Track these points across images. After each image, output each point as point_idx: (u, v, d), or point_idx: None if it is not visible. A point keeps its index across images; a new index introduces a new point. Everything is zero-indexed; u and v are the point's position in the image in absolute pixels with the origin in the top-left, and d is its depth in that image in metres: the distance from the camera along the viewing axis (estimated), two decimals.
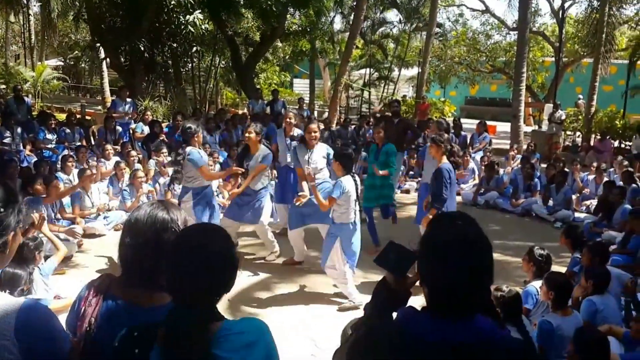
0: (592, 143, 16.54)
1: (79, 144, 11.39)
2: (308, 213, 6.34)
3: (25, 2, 25.32)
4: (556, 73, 22.06)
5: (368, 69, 26.35)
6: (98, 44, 17.74)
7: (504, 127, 20.57)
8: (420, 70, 22.82)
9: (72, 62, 30.75)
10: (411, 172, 12.18)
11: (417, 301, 1.57)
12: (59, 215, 7.45)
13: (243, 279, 6.22)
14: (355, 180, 5.62)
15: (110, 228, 7.99)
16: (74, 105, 22.39)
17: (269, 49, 22.74)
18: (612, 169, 12.07)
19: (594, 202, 9.96)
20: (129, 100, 13.13)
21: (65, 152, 10.58)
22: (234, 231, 7.09)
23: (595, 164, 11.83)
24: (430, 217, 5.83)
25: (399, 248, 1.75)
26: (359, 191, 5.73)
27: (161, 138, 11.14)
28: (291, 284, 6.26)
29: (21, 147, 10.66)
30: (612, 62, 20.83)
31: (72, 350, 1.82)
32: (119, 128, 12.25)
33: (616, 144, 16.83)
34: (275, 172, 8.01)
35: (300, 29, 20.74)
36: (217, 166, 10.48)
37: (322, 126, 15.36)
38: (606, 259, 5.36)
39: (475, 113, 27.58)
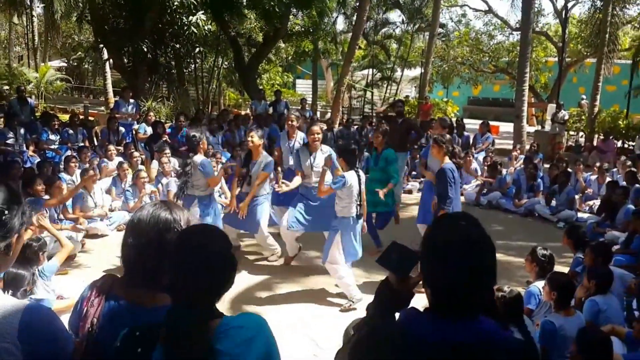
0: (595, 143, 16.52)
1: (81, 144, 11.40)
2: (312, 219, 6.30)
3: (28, 3, 25.36)
4: (559, 73, 22.01)
5: (371, 70, 26.34)
6: (101, 45, 17.76)
7: (507, 127, 20.53)
8: (422, 70, 22.83)
9: (75, 63, 30.80)
10: (414, 173, 12.17)
11: (420, 301, 1.57)
12: (61, 216, 7.47)
13: (244, 279, 6.23)
14: (359, 175, 5.63)
15: (112, 228, 8.01)
16: (77, 106, 22.44)
17: (272, 50, 22.78)
18: (615, 169, 12.06)
19: (596, 202, 9.94)
20: (132, 101, 13.14)
21: (68, 152, 10.59)
22: (234, 232, 7.10)
23: (598, 164, 11.81)
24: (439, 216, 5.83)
25: (401, 248, 1.75)
26: (363, 186, 5.73)
27: (164, 139, 11.14)
28: (292, 284, 6.27)
29: (24, 148, 10.68)
30: (615, 62, 20.79)
31: (75, 351, 1.82)
32: (122, 129, 12.26)
33: (619, 144, 16.77)
34: (280, 175, 7.91)
35: (303, 29, 20.77)
36: (220, 167, 10.48)
37: (324, 127, 15.41)
38: (609, 259, 5.36)
39: (478, 113, 27.57)
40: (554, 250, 5.23)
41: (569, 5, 24.89)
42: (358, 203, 5.61)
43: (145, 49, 15.73)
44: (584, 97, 22.97)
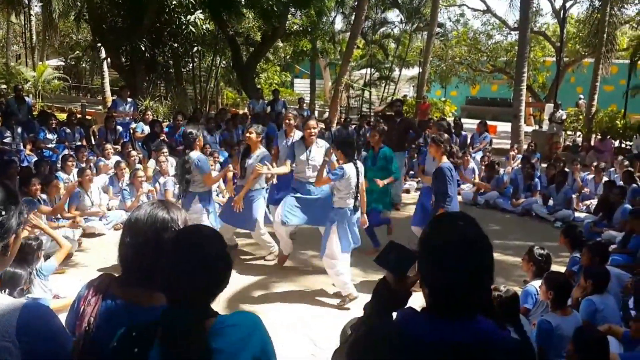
0: (592, 143, 16.55)
1: (79, 143, 11.39)
2: (306, 212, 6.25)
3: (26, 2, 25.34)
4: (557, 73, 22.05)
5: (369, 69, 26.37)
6: (99, 44, 17.74)
7: (505, 127, 20.57)
8: (421, 70, 22.84)
9: (73, 62, 30.77)
10: (411, 172, 12.17)
11: (417, 301, 1.57)
12: (58, 215, 7.46)
13: (242, 279, 6.22)
14: (357, 167, 5.64)
15: (110, 227, 8.00)
16: (74, 105, 22.39)
17: (270, 49, 22.78)
18: (612, 169, 12.08)
19: (594, 202, 9.97)
20: (129, 100, 13.14)
21: (66, 151, 10.58)
22: (231, 231, 7.10)
23: (595, 164, 11.83)
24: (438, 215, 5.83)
25: (399, 248, 1.75)
26: (361, 179, 5.74)
27: (162, 138, 11.14)
28: (289, 284, 6.26)
29: (22, 147, 10.66)
30: (613, 62, 20.82)
31: (73, 350, 1.82)
32: (120, 128, 12.25)
33: (617, 143, 16.82)
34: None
35: (301, 29, 20.76)
36: (218, 166, 10.48)
37: (322, 126, 15.41)
38: (606, 258, 5.37)
39: (476, 113, 27.60)
40: (551, 250, 5.24)
41: (567, 5, 24.97)
42: (356, 195, 5.63)
43: (143, 48, 15.71)
44: (581, 96, 23.05)
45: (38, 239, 5.01)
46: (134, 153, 10.14)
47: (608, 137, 15.84)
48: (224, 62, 22.77)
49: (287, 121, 7.05)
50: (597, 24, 19.64)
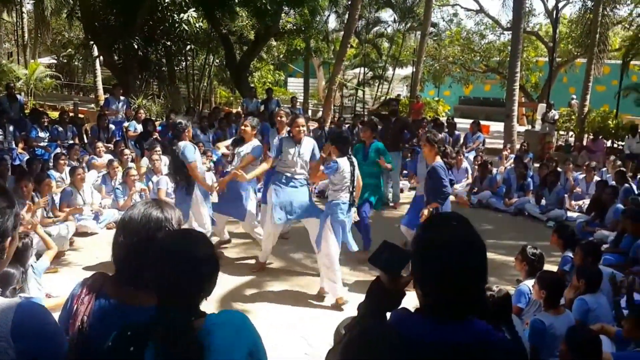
0: (585, 143, 16.61)
1: (71, 142, 11.34)
2: (294, 209, 6.16)
3: None
4: (550, 73, 22.11)
5: (362, 68, 26.39)
6: (91, 42, 17.66)
7: (498, 126, 20.62)
8: (414, 69, 22.87)
9: (65, 60, 30.64)
10: (405, 172, 12.17)
11: (411, 301, 1.57)
12: (51, 214, 7.42)
13: (234, 279, 6.21)
14: (351, 162, 5.64)
15: (102, 226, 7.97)
16: (67, 103, 22.31)
17: (264, 48, 22.72)
18: (604, 169, 12.13)
19: (586, 202, 10.01)
20: (122, 98, 13.09)
21: (58, 150, 10.54)
22: (222, 226, 7.08)
23: (587, 163, 11.88)
24: (431, 209, 5.84)
25: (392, 248, 1.75)
26: (357, 173, 5.74)
27: (154, 136, 11.11)
28: (282, 283, 6.25)
29: (13, 145, 10.61)
30: (605, 62, 20.89)
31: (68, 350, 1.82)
32: (112, 126, 12.20)
33: (609, 143, 16.90)
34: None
35: (294, 27, 20.73)
36: (211, 164, 10.47)
37: (316, 124, 15.41)
38: (598, 258, 5.38)
39: (469, 113, 27.68)
40: (544, 249, 5.25)
41: (560, 5, 25.06)
42: (350, 190, 5.63)
43: (136, 46, 15.62)
44: (574, 97, 23.13)
45: (28, 237, 4.98)
46: (126, 152, 10.10)
47: (600, 137, 15.92)
48: (217, 60, 22.74)
49: (278, 118, 7.03)
50: (590, 24, 19.72)
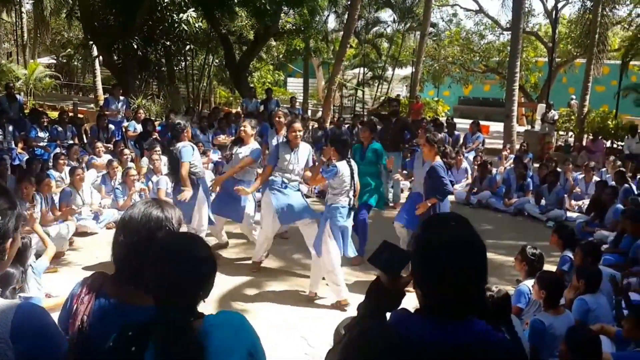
0: (584, 143, 16.62)
1: (71, 142, 11.33)
2: (290, 211, 6.16)
3: None
4: (549, 73, 22.11)
5: (362, 68, 26.39)
6: (91, 42, 17.63)
7: (497, 127, 20.62)
8: (413, 69, 22.87)
9: (64, 60, 30.61)
10: (404, 172, 12.16)
11: (411, 302, 1.57)
12: (50, 214, 7.41)
13: (233, 280, 6.20)
14: (350, 166, 5.64)
15: (102, 226, 7.96)
16: (66, 103, 22.29)
17: (263, 48, 22.72)
18: (604, 169, 12.14)
19: (586, 202, 10.02)
20: (122, 98, 13.09)
21: (57, 150, 10.53)
22: (221, 228, 7.07)
23: (586, 163, 11.89)
24: (429, 204, 5.84)
25: (392, 247, 1.74)
26: (356, 176, 5.74)
27: (154, 136, 11.10)
28: (281, 283, 6.25)
29: (13, 145, 10.60)
30: (604, 62, 20.89)
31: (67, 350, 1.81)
32: (112, 126, 12.21)
33: (608, 144, 16.91)
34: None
35: (294, 27, 20.72)
36: (211, 165, 10.47)
37: (315, 125, 15.40)
38: (598, 258, 5.38)
39: (468, 113, 27.67)
40: (543, 249, 5.25)
41: (559, 5, 25.06)
42: (350, 195, 5.63)
43: (136, 46, 15.61)
44: (573, 97, 23.14)
45: (27, 237, 4.98)
46: (126, 152, 10.10)
47: (600, 137, 15.92)
48: (217, 60, 22.72)
49: (277, 119, 7.03)
50: (589, 24, 19.72)
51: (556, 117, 17.80)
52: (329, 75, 22.14)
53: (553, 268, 5.73)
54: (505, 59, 23.58)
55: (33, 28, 29.19)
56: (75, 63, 30.92)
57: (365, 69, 26.25)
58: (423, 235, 1.65)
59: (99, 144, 10.51)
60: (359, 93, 26.41)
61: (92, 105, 21.90)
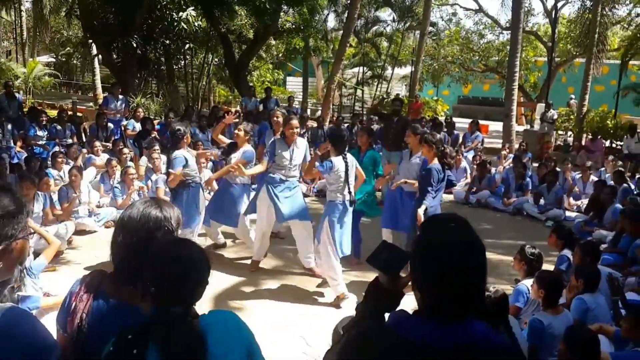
0: (583, 143, 16.63)
1: (70, 140, 11.33)
2: (285, 210, 6.18)
3: None
4: (548, 73, 22.13)
5: (361, 68, 26.37)
6: (90, 41, 17.65)
7: (496, 126, 20.63)
8: (413, 69, 22.86)
9: (64, 59, 30.57)
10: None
11: (410, 302, 1.56)
12: (50, 214, 7.41)
13: (233, 278, 6.20)
14: (346, 161, 5.63)
15: (101, 225, 7.96)
16: (65, 101, 22.26)
17: (263, 47, 22.71)
18: (603, 169, 12.14)
19: (584, 202, 10.02)
20: (121, 97, 13.08)
21: (56, 148, 10.53)
22: (216, 228, 7.05)
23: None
24: (421, 212, 5.78)
25: (391, 248, 1.75)
26: (352, 172, 5.72)
27: (153, 135, 11.09)
28: (280, 282, 6.24)
29: (12, 144, 10.60)
30: (604, 62, 20.90)
31: (63, 347, 1.81)
32: (111, 125, 12.20)
33: (607, 143, 16.91)
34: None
35: (293, 26, 20.71)
36: (210, 164, 10.46)
37: (314, 124, 15.40)
38: (597, 258, 5.38)
39: (467, 112, 27.65)
40: (542, 249, 5.25)
41: (559, 5, 25.05)
42: (349, 190, 5.62)
43: (135, 45, 15.62)
44: (572, 96, 23.15)
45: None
46: (126, 151, 10.09)
47: (599, 137, 15.93)
48: (216, 59, 22.72)
49: (275, 119, 7.02)
50: (588, 24, 19.72)
51: (555, 117, 17.81)
52: (329, 74, 22.12)
53: (552, 267, 5.74)
54: (504, 59, 23.58)
55: (32, 26, 29.16)
56: (75, 61, 30.88)
57: (365, 68, 26.23)
58: (423, 236, 1.65)
59: (98, 143, 10.50)
60: (359, 92, 26.41)
61: (91, 104, 21.88)
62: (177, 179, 6.09)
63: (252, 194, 7.72)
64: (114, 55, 16.63)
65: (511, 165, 11.59)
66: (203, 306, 1.81)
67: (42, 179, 7.23)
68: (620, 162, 12.19)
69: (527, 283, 4.73)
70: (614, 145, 17.03)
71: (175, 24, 15.58)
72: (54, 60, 30.99)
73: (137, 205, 2.00)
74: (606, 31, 20.01)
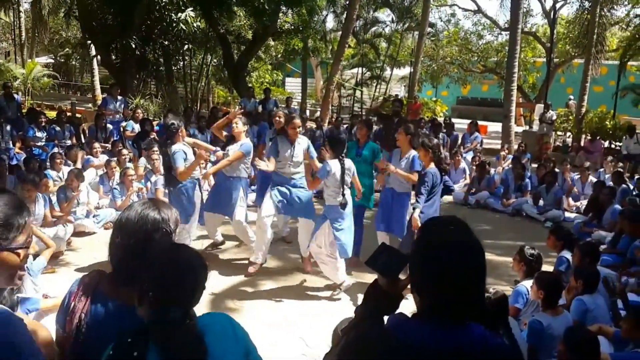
0: (582, 143, 16.62)
1: (69, 142, 11.32)
2: (288, 204, 6.27)
3: None
4: (547, 73, 22.14)
5: (360, 68, 26.38)
6: (89, 41, 17.63)
7: (495, 127, 20.65)
8: (412, 69, 22.86)
9: (62, 60, 30.57)
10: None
11: (409, 305, 1.56)
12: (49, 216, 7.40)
13: (232, 279, 6.19)
14: (342, 164, 5.63)
15: (100, 226, 7.95)
16: (64, 102, 22.29)
17: (261, 48, 22.72)
18: (602, 169, 12.15)
19: (584, 202, 10.03)
20: (120, 98, 13.08)
21: (55, 149, 10.52)
22: (215, 226, 7.04)
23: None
24: (416, 216, 5.75)
25: (390, 250, 1.74)
26: (349, 175, 5.74)
27: (152, 136, 11.08)
28: (278, 283, 6.23)
29: (10, 145, 10.59)
30: (602, 62, 20.95)
31: (62, 346, 1.81)
32: (110, 126, 12.19)
33: (606, 144, 16.92)
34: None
35: (292, 27, 20.72)
36: (209, 165, 10.44)
37: (314, 125, 15.40)
38: (597, 258, 5.39)
39: (466, 113, 27.68)
40: (542, 250, 5.25)
41: (558, 5, 25.08)
42: (343, 192, 5.62)
43: (134, 46, 15.60)
44: (571, 97, 23.16)
45: None
46: (125, 152, 10.09)
47: (598, 137, 15.92)
48: (215, 60, 22.72)
49: (276, 119, 7.04)
50: (587, 24, 19.75)
51: (554, 118, 17.82)
52: (328, 75, 22.13)
53: (551, 268, 5.74)
54: (503, 59, 23.61)
55: (31, 27, 29.13)
56: (73, 62, 30.88)
57: (364, 68, 26.24)
58: (422, 237, 1.65)
59: (96, 144, 10.49)
60: (357, 93, 26.42)
61: (90, 105, 21.90)
62: (190, 171, 6.06)
63: (252, 194, 7.72)
64: (113, 56, 16.62)
65: (510, 166, 11.59)
66: (203, 306, 1.80)
67: (41, 180, 7.21)
68: (619, 163, 12.19)
69: (527, 284, 4.73)
70: (612, 146, 17.03)
71: (174, 24, 15.57)
72: (52, 61, 31.02)
73: (135, 207, 1.99)
74: (605, 32, 20.06)
